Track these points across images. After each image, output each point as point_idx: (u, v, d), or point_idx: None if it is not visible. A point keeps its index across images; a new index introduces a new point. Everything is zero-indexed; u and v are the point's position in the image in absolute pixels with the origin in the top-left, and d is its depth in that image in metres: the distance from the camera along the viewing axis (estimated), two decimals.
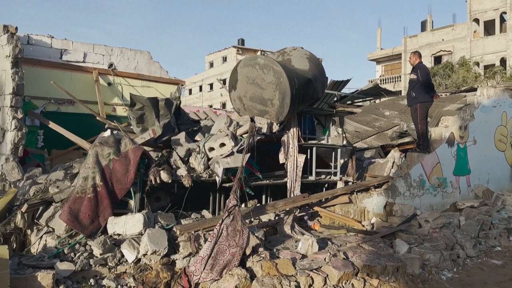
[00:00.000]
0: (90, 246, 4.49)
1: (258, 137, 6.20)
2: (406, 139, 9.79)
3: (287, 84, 6.16)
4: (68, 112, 9.31)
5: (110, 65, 9.96)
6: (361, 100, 17.56)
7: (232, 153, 5.91)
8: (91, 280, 4.12)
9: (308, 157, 6.90)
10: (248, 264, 4.49)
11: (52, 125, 8.54)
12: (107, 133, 7.82)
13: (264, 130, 6.42)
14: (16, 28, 8.36)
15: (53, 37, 9.27)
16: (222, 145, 6.04)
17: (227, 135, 6.08)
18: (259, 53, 38.85)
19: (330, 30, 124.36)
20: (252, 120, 6.48)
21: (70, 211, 4.69)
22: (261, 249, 4.75)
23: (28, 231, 5.36)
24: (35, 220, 5.38)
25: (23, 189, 6.46)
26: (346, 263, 4.69)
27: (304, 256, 4.86)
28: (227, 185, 5.93)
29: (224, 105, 41.47)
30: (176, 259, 4.54)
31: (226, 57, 46.32)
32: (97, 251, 4.39)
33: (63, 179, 6.29)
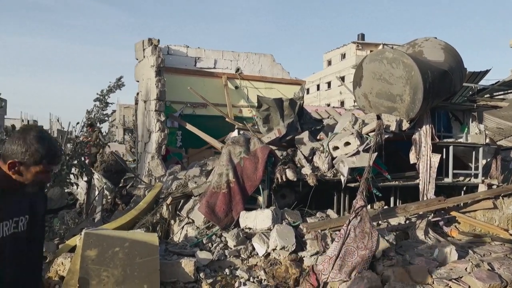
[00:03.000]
0: (225, 237, 4.82)
1: (386, 136, 5.91)
2: None
3: (419, 77, 5.74)
4: (201, 115, 10.16)
5: (237, 69, 10.58)
6: (502, 92, 15.44)
7: (357, 152, 5.75)
8: (226, 270, 4.42)
9: (444, 157, 6.32)
10: (379, 268, 4.32)
11: (189, 127, 9.45)
12: (235, 133, 8.35)
13: (393, 128, 6.09)
14: (158, 41, 9.47)
15: (188, 47, 10.24)
16: (347, 144, 5.91)
17: (352, 133, 5.94)
18: (381, 47, 37.05)
19: (462, 17, 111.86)
20: (378, 117, 6.21)
21: (208, 205, 5.11)
22: (392, 253, 4.52)
23: (172, 222, 6.01)
24: (177, 212, 6.00)
25: (166, 184, 7.28)
26: (492, 275, 4.18)
27: (441, 264, 4.47)
28: (352, 185, 5.79)
29: (342, 103, 40.61)
30: (304, 256, 4.60)
31: (344, 54, 45.29)
32: (231, 243, 4.70)
33: (199, 175, 6.91)
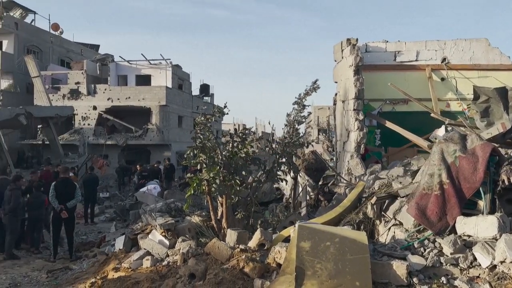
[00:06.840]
0: (440, 243, 4.43)
1: None
2: None
3: None
4: (402, 111, 9.67)
5: (443, 59, 9.62)
6: None
7: None
8: (443, 278, 4.06)
9: None
10: None
11: (388, 124, 9.11)
12: (441, 129, 7.60)
13: None
14: (357, 40, 9.46)
15: (387, 41, 9.88)
16: None
17: None
18: None
19: None
20: None
21: (418, 207, 4.80)
22: None
23: (377, 222, 5.90)
24: (382, 212, 5.85)
25: (367, 183, 7.20)
26: None
27: None
28: None
29: None
30: None
31: None
32: (447, 250, 4.29)
33: (403, 175, 6.57)
